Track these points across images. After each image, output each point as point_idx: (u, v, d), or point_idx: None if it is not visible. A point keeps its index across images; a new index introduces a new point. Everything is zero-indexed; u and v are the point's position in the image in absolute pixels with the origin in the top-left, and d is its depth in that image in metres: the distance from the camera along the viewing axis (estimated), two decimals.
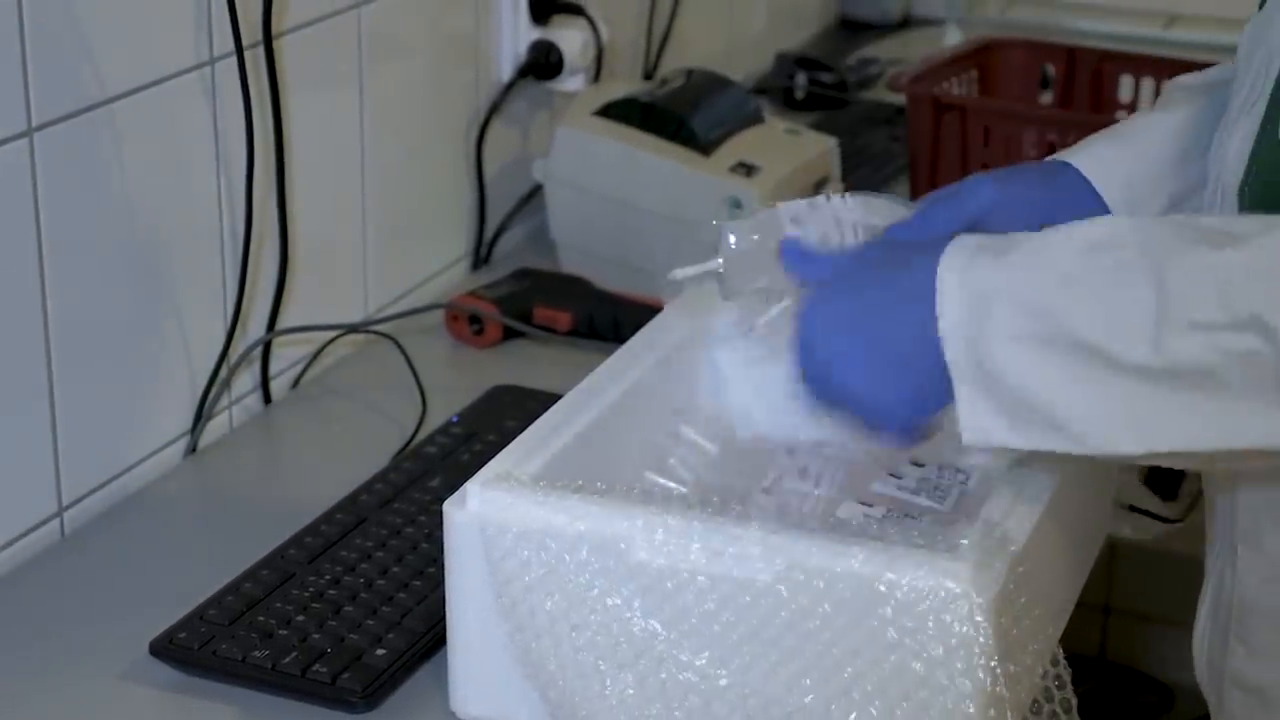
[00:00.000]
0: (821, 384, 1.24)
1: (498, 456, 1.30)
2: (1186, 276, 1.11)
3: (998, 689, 1.16)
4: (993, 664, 1.15)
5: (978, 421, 1.16)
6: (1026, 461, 1.29)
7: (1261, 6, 1.31)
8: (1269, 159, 1.22)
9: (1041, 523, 1.25)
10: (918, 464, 1.43)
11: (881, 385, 1.21)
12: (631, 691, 1.21)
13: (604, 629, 1.21)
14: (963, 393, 1.16)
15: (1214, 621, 1.38)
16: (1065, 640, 1.36)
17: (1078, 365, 1.13)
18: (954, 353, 1.16)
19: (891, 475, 1.45)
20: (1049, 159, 1.43)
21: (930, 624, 1.14)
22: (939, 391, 1.17)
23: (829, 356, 1.22)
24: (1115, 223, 1.16)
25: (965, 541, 1.17)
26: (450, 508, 1.25)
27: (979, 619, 1.13)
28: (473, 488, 1.25)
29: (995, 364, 1.14)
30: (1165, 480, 2.57)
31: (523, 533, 1.22)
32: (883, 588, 1.15)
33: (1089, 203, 1.38)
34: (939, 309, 1.16)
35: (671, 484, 1.44)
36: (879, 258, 1.25)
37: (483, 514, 1.24)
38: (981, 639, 1.14)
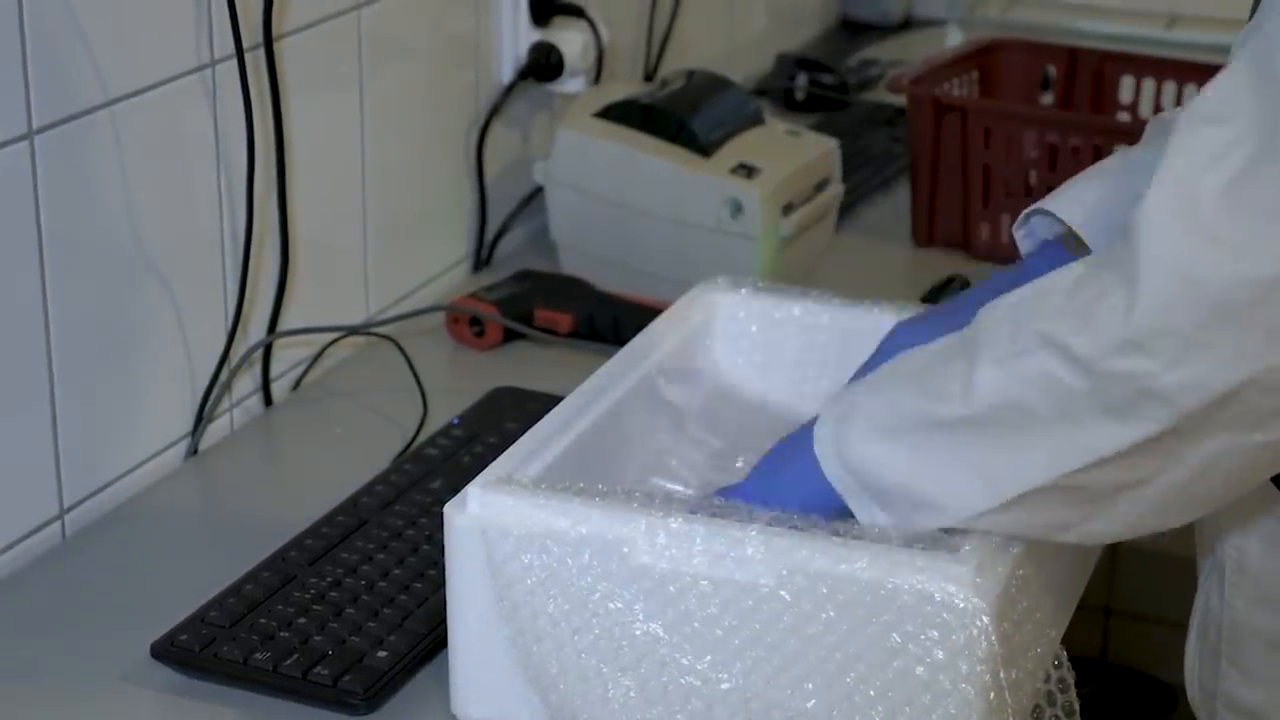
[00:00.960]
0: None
1: (498, 459, 1.29)
2: (990, 324, 1.16)
3: (1000, 693, 1.16)
4: (995, 668, 1.14)
5: (871, 521, 1.21)
6: None
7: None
8: None
9: None
10: None
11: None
12: (633, 695, 1.21)
13: (606, 632, 1.21)
14: (851, 503, 1.22)
15: (1203, 642, 1.38)
16: (1067, 642, 1.36)
17: (916, 437, 1.18)
18: (829, 467, 1.22)
19: None
20: (1025, 213, 1.44)
21: (933, 628, 1.14)
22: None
23: None
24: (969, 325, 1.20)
25: (967, 546, 1.17)
26: (451, 510, 1.25)
27: (981, 622, 1.13)
28: (473, 490, 1.25)
29: (857, 463, 1.21)
30: None
31: (524, 536, 1.22)
32: (885, 592, 1.15)
33: None
34: (815, 436, 1.23)
35: (674, 486, 1.44)
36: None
37: (484, 517, 1.24)
38: (984, 642, 1.13)
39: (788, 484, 1.25)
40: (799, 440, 1.25)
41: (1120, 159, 1.43)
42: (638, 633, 1.20)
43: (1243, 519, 1.30)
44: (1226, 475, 1.12)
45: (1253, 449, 1.09)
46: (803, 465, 1.23)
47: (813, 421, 1.25)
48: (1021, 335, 1.12)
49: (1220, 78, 1.09)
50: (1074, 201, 1.40)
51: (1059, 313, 1.11)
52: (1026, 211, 1.43)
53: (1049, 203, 1.41)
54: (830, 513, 1.22)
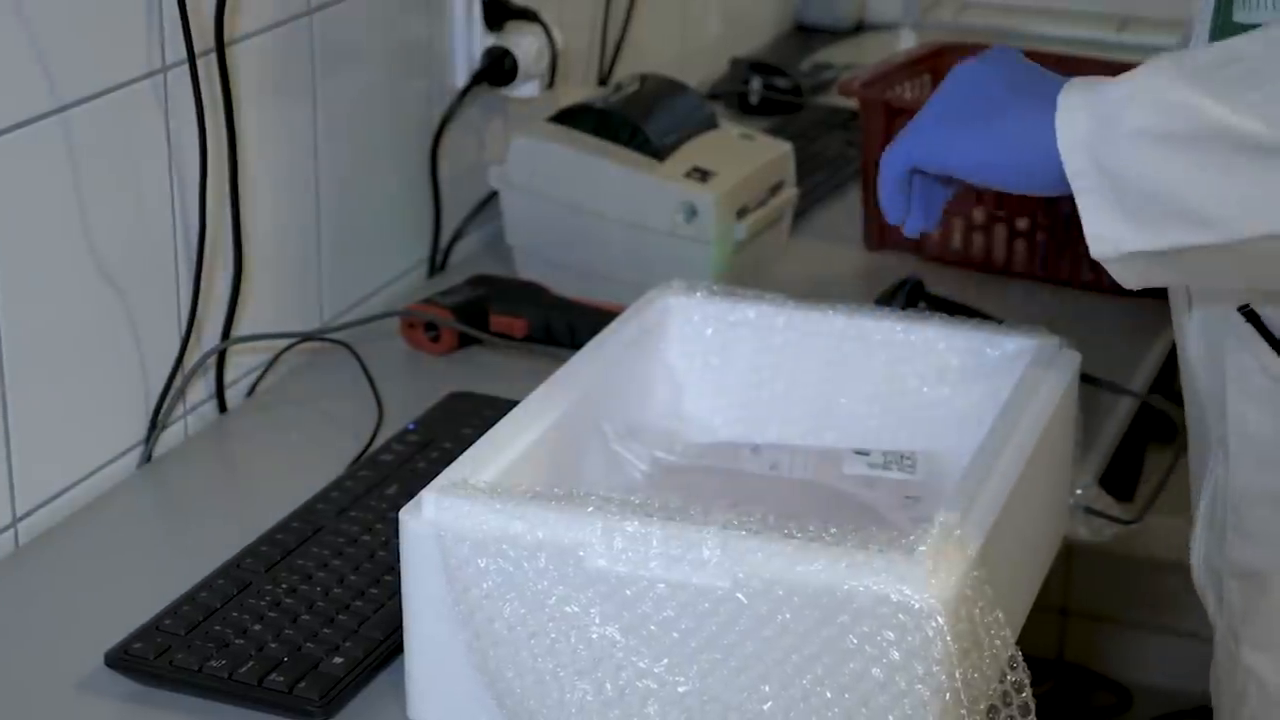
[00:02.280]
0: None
1: (453, 464, 1.29)
2: None
3: (956, 693, 1.16)
4: (951, 668, 1.15)
5: (1104, 230, 1.18)
6: (983, 465, 1.29)
7: None
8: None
9: (998, 526, 1.25)
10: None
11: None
12: (590, 699, 1.21)
13: (562, 636, 1.21)
14: (1087, 202, 1.18)
15: (1210, 519, 1.41)
16: (1023, 642, 1.36)
17: (1208, 149, 1.14)
18: (1074, 161, 1.18)
19: (859, 453, 1.46)
20: None
21: (888, 630, 1.14)
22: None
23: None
24: (1242, 39, 1.18)
25: (922, 547, 1.17)
26: (406, 516, 1.25)
27: (936, 623, 1.14)
28: (428, 496, 1.24)
29: (1117, 165, 1.17)
30: (1121, 482, 2.58)
31: (479, 540, 1.22)
32: (841, 594, 1.15)
33: None
34: (1059, 122, 1.19)
35: (630, 491, 1.44)
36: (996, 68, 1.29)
37: (439, 522, 1.24)
38: (939, 643, 1.14)
39: (1000, 140, 1.24)
40: (1028, 102, 1.23)
41: None
42: (594, 636, 1.20)
43: (1242, 386, 1.34)
44: None
45: None
46: (1027, 132, 1.22)
47: (1043, 87, 1.22)
48: None
49: None
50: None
51: None
52: None
53: None
54: (1037, 183, 1.22)
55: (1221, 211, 1.15)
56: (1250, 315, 1.31)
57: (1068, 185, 1.20)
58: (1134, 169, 1.17)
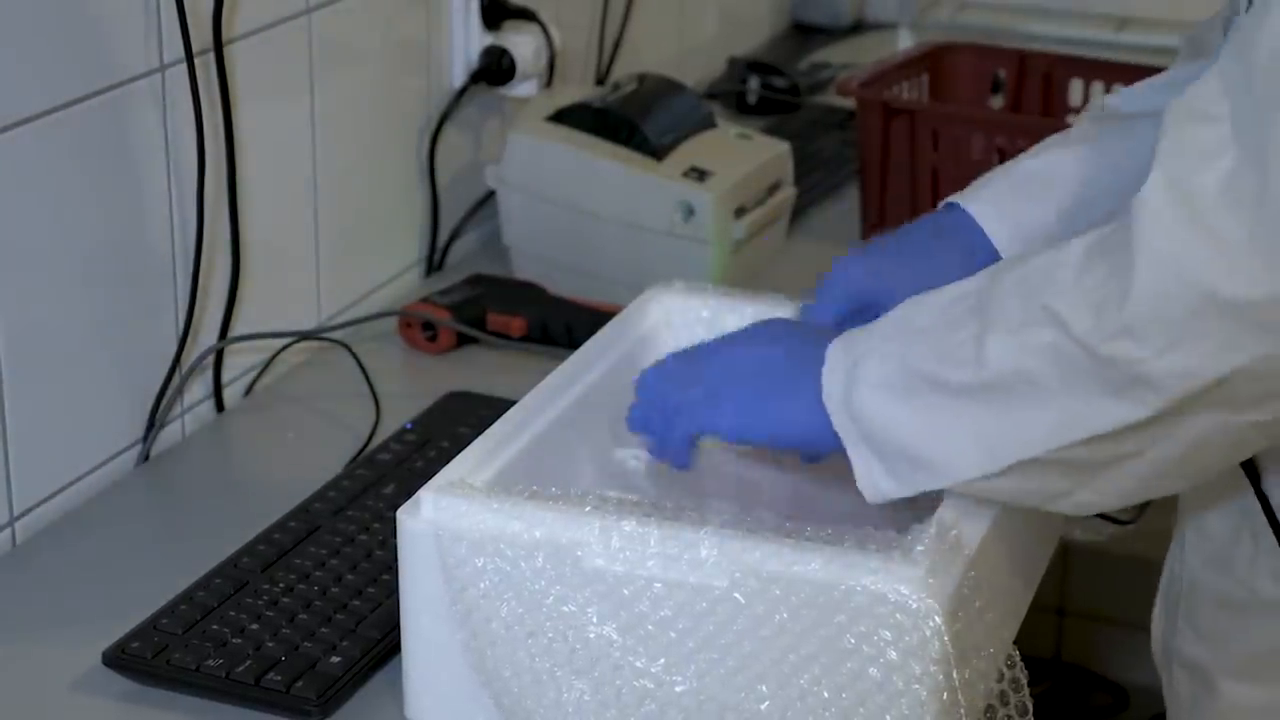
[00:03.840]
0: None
1: (451, 463, 1.29)
2: (1002, 292, 1.17)
3: (954, 693, 1.16)
4: (948, 668, 1.15)
5: (868, 478, 1.23)
6: None
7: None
8: None
9: (995, 526, 1.25)
10: None
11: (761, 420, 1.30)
12: (587, 698, 1.21)
13: (559, 636, 1.21)
14: (851, 452, 1.23)
15: (1166, 604, 1.42)
16: (1020, 642, 1.36)
17: (923, 399, 1.19)
18: (836, 415, 1.23)
19: None
20: (945, 202, 1.47)
21: (886, 629, 1.14)
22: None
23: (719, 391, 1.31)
24: (977, 276, 1.22)
25: (920, 547, 1.17)
26: (403, 515, 1.25)
27: (934, 623, 1.14)
28: (426, 495, 1.24)
29: (863, 413, 1.22)
30: None
31: (477, 540, 1.22)
32: (838, 593, 1.15)
33: (979, 252, 1.43)
34: (823, 380, 1.24)
35: (629, 490, 1.44)
36: (778, 333, 1.35)
37: (436, 521, 1.24)
38: (936, 643, 1.14)
39: (783, 411, 1.27)
40: (800, 367, 1.26)
41: (1051, 159, 1.45)
42: (591, 636, 1.20)
43: (1207, 488, 1.34)
44: (1218, 450, 1.15)
45: (1243, 426, 1.12)
46: (804, 397, 1.25)
47: (812, 344, 1.26)
48: (1030, 307, 1.14)
49: (1207, 75, 1.10)
50: (991, 208, 1.44)
51: (1064, 291, 1.12)
52: (942, 206, 1.47)
53: (966, 198, 1.45)
54: (822, 447, 1.25)
55: (945, 457, 1.19)
56: None
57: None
58: (876, 421, 1.21)
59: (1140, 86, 1.48)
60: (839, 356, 1.24)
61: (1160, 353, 1.08)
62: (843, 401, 1.22)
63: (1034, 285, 1.15)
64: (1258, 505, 1.30)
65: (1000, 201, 1.44)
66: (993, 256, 1.42)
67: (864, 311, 1.37)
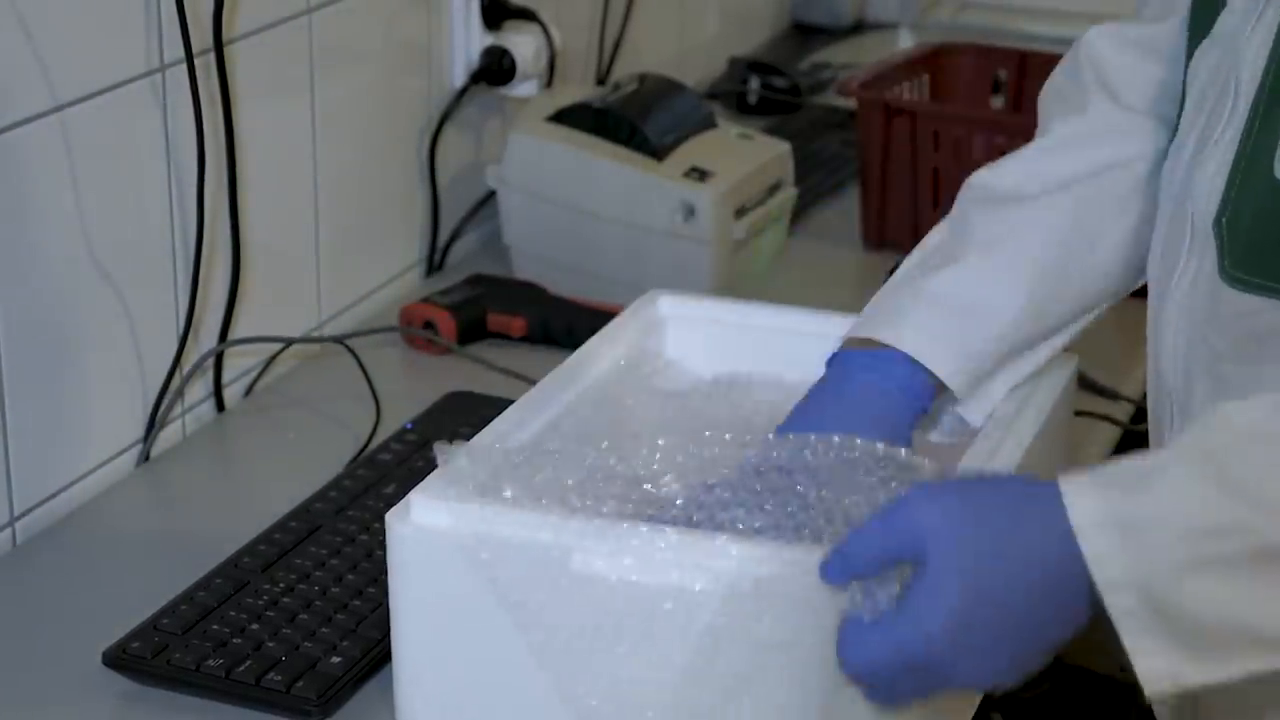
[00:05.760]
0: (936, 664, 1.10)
1: (441, 467, 1.29)
2: None
3: (945, 698, 1.16)
4: None
5: (1159, 666, 1.07)
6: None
7: (1199, 37, 1.31)
8: (1259, 197, 1.20)
9: None
10: None
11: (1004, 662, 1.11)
12: (576, 701, 1.21)
13: (549, 640, 1.21)
14: (1133, 639, 1.06)
15: None
16: None
17: (1268, 569, 1.04)
18: (1123, 602, 1.05)
19: None
20: (834, 355, 1.37)
21: None
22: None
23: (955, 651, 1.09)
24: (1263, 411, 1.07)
25: None
26: (393, 519, 1.24)
27: None
28: (416, 498, 1.24)
29: (1169, 597, 1.05)
30: None
31: (466, 543, 1.22)
32: (826, 598, 1.14)
33: (911, 393, 1.34)
34: (1090, 560, 1.05)
35: (626, 491, 1.44)
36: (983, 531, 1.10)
37: (426, 525, 1.23)
38: None
39: (1022, 563, 1.08)
40: (1036, 519, 1.07)
41: (970, 274, 1.37)
42: (580, 640, 1.20)
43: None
44: None
45: None
46: (1048, 552, 1.07)
47: (1047, 493, 1.07)
48: None
49: None
50: (923, 337, 1.34)
51: None
52: (850, 337, 1.37)
53: (886, 335, 1.35)
54: (1066, 603, 1.08)
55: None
56: None
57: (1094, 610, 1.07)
58: (1189, 602, 1.04)
59: (1010, 162, 1.43)
60: (1103, 521, 1.06)
61: None
62: (1131, 583, 1.05)
63: None
64: None
65: (932, 332, 1.34)
66: (924, 388, 1.34)
67: None
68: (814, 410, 1.35)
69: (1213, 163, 1.24)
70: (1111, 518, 1.05)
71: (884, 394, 1.34)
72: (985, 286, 1.37)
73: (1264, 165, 1.19)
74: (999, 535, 1.08)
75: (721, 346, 1.55)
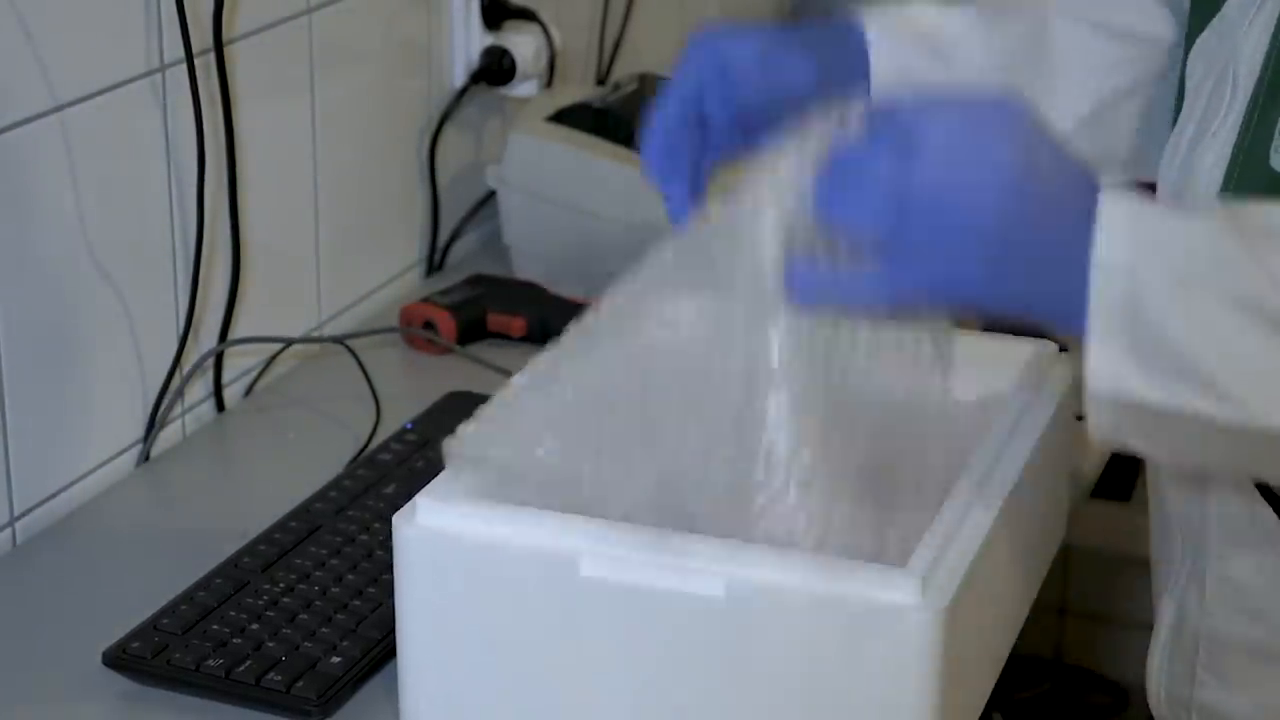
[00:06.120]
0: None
1: (448, 469, 1.29)
2: None
3: (952, 697, 1.16)
4: (946, 674, 1.14)
5: (1109, 365, 1.05)
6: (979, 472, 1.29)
7: (1199, 27, 1.31)
8: (1257, 188, 1.20)
9: (994, 532, 1.24)
10: None
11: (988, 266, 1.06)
12: (581, 707, 1.21)
13: (554, 644, 1.21)
14: (1099, 328, 1.05)
15: (1175, 652, 1.36)
16: (1021, 642, 1.36)
17: (1254, 325, 1.04)
18: (1104, 285, 1.04)
19: None
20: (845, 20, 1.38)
21: (881, 639, 1.14)
22: (1044, 298, 1.07)
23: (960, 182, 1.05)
24: None
25: (915, 554, 1.16)
26: (399, 521, 1.24)
27: (930, 633, 1.13)
28: (422, 501, 1.24)
29: (1150, 305, 1.04)
30: (1120, 484, 2.59)
31: (472, 546, 1.22)
32: (834, 603, 1.14)
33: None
34: (1100, 234, 1.04)
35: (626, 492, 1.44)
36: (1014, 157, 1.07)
37: (432, 527, 1.23)
38: (932, 653, 1.13)
39: (1037, 278, 1.06)
40: (1060, 236, 1.05)
41: (951, 23, 1.40)
42: (587, 645, 1.20)
43: (1229, 531, 1.29)
44: None
45: None
46: (1062, 265, 1.05)
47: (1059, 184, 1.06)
48: None
49: None
50: (892, 58, 1.36)
51: None
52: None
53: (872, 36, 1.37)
54: (1052, 318, 1.08)
55: (1245, 393, 1.04)
56: None
57: (1068, 309, 1.06)
58: (1167, 318, 1.04)
59: None
60: (1125, 216, 1.05)
61: None
62: (1125, 274, 1.04)
63: None
64: None
65: (898, 48, 1.35)
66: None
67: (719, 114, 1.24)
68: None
69: (1211, 154, 1.24)
70: (1136, 217, 1.04)
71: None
72: (959, 36, 1.38)
73: (1261, 157, 1.20)
74: (1017, 159, 1.05)
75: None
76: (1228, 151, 1.22)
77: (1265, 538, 1.27)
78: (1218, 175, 1.23)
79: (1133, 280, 1.04)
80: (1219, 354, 1.04)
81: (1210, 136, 1.24)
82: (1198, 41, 1.30)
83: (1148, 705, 1.42)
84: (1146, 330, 1.04)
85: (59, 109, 1.55)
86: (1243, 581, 1.29)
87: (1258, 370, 1.04)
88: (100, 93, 1.60)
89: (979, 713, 1.28)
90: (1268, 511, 1.26)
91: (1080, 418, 1.40)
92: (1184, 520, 1.33)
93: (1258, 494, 1.26)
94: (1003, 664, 1.34)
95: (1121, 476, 2.55)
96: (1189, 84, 1.30)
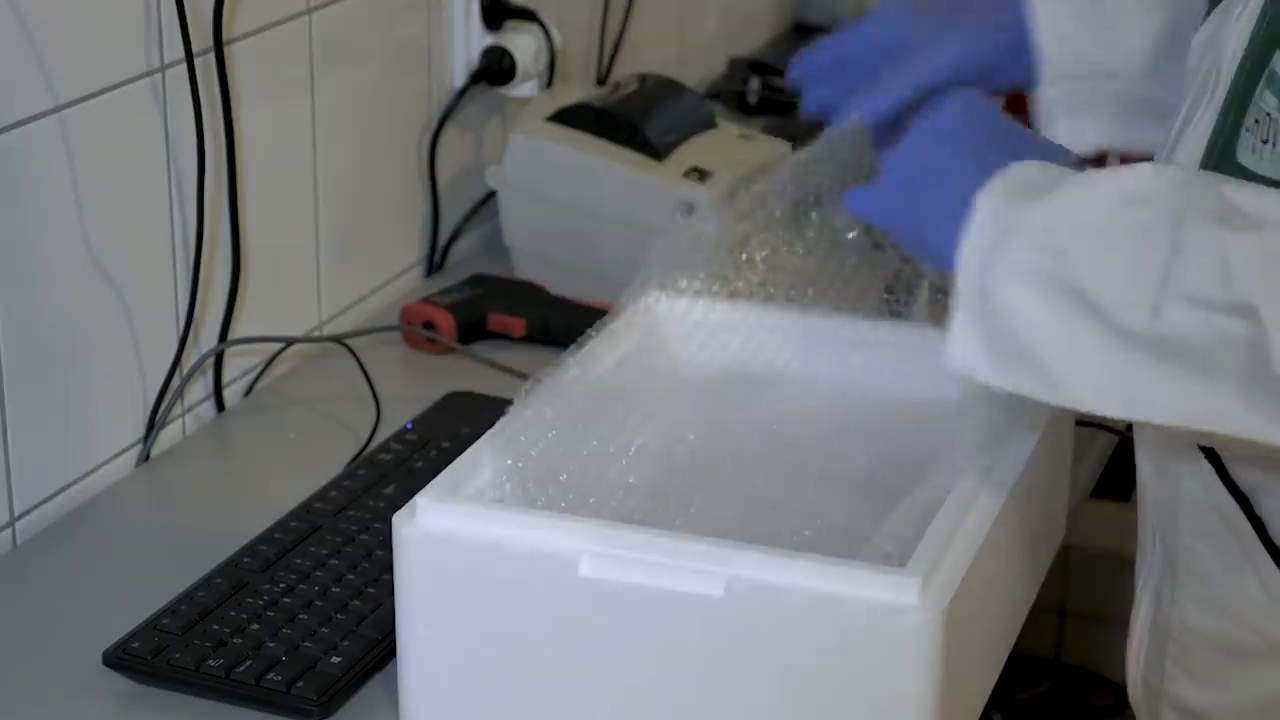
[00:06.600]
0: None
1: (447, 469, 1.29)
2: (1200, 250, 1.09)
3: (952, 698, 1.16)
4: (945, 674, 1.14)
5: (964, 349, 1.16)
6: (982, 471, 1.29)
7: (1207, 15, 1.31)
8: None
9: (994, 533, 1.24)
10: None
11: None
12: (580, 707, 1.21)
13: (553, 644, 1.21)
14: (957, 316, 1.16)
15: (1151, 641, 1.37)
16: (1021, 643, 1.36)
17: (1075, 315, 1.12)
18: (964, 276, 1.16)
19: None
20: None
21: (881, 639, 1.14)
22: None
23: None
24: (1155, 177, 1.14)
25: (915, 555, 1.16)
26: (399, 521, 1.24)
27: (930, 633, 1.13)
28: (422, 501, 1.24)
29: (996, 294, 1.14)
30: (1120, 484, 2.58)
31: (471, 547, 1.22)
32: (834, 603, 1.14)
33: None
34: (967, 232, 1.16)
35: (628, 493, 1.44)
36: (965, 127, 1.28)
37: (431, 528, 1.23)
38: (932, 653, 1.13)
39: (930, 220, 1.22)
40: (951, 188, 1.20)
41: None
42: (586, 644, 1.20)
43: (1196, 522, 1.29)
44: None
45: None
46: (952, 221, 1.18)
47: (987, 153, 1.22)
48: (1233, 293, 1.08)
49: None
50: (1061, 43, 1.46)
51: (1266, 285, 1.07)
52: None
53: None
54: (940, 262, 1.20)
55: (1071, 379, 1.13)
56: (1208, 452, 1.26)
57: None
58: (1010, 308, 1.14)
59: None
60: (989, 214, 1.16)
61: None
62: (979, 269, 1.15)
63: (1241, 270, 1.08)
64: (1260, 546, 1.25)
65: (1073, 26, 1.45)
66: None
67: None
68: None
69: (1190, 145, 1.25)
70: (997, 216, 1.15)
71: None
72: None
73: (1232, 152, 1.20)
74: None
75: (724, 341, 1.55)
76: (1203, 145, 1.23)
77: (1229, 529, 1.27)
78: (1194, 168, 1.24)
79: (984, 275, 1.15)
80: (1048, 342, 1.13)
81: (1190, 128, 1.25)
82: (1199, 31, 1.30)
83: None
84: (994, 318, 1.14)
85: (59, 109, 1.55)
86: (1208, 573, 1.30)
87: (1077, 360, 1.13)
88: (100, 93, 1.60)
89: (979, 713, 1.28)
90: (1230, 502, 1.26)
91: (1080, 421, 1.42)
92: (1158, 509, 1.34)
93: (1220, 483, 1.26)
94: (1003, 664, 1.34)
95: (1121, 476, 2.54)
96: (1187, 74, 1.31)
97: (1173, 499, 1.31)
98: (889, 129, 1.38)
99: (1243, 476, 1.25)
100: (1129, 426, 1.79)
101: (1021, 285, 1.13)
